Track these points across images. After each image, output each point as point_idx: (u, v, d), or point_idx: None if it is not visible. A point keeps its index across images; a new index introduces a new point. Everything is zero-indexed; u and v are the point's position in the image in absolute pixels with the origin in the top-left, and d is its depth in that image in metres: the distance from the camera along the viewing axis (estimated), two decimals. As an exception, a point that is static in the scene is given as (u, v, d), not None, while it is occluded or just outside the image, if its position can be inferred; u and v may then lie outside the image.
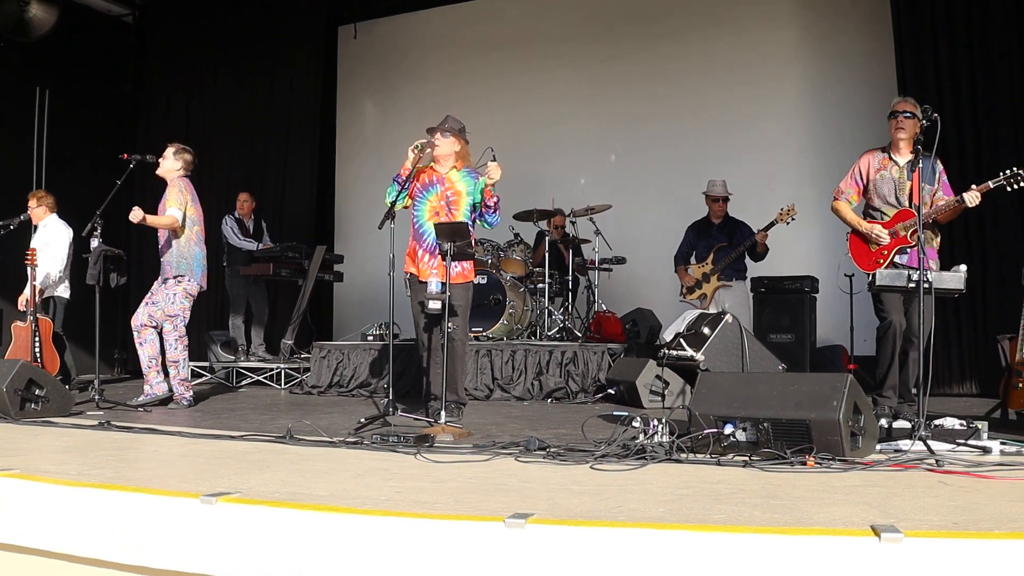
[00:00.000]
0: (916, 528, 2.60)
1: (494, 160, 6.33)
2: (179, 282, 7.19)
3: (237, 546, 3.01)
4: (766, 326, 8.52)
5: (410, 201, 6.17)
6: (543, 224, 9.68)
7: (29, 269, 7.92)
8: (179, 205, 7.16)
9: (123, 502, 3.26)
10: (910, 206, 5.70)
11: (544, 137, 11.32)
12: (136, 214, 6.95)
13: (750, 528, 2.64)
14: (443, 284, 5.44)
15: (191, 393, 7.40)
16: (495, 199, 6.05)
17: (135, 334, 7.29)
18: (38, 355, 7.92)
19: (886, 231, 5.77)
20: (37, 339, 7.97)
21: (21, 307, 8.30)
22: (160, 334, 7.27)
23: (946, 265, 5.57)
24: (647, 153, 10.88)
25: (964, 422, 5.19)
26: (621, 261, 9.59)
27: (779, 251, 8.65)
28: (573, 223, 9.58)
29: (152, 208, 7.30)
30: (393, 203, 5.89)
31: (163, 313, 7.19)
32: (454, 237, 5.47)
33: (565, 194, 10.28)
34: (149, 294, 7.30)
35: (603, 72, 11.18)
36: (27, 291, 8.08)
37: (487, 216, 6.12)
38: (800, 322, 8.51)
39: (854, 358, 8.41)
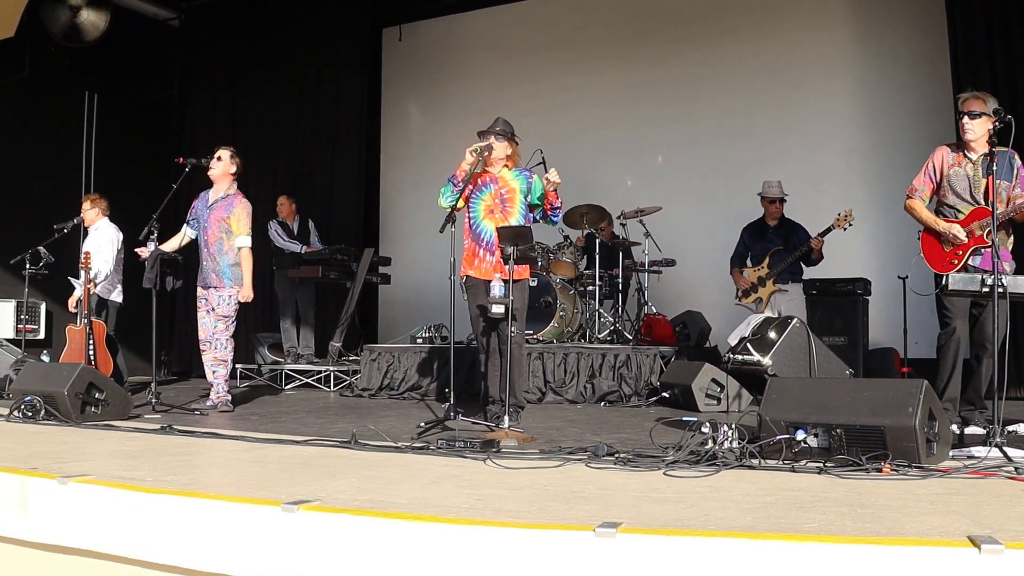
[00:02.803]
0: (1015, 539, 2.54)
1: (542, 163, 6.38)
2: (233, 287, 7.29)
3: (320, 554, 3.00)
4: (818, 329, 8.40)
5: (463, 203, 6.17)
6: (592, 228, 9.65)
7: (83, 272, 7.98)
8: (248, 232, 7.33)
9: (203, 509, 3.27)
10: (986, 204, 5.45)
11: (590, 138, 11.28)
12: (248, 294, 7.32)
13: (844, 538, 2.59)
14: (506, 288, 5.41)
15: (230, 396, 7.50)
16: (560, 200, 6.18)
17: (205, 345, 7.35)
18: (92, 357, 7.98)
19: (963, 230, 5.51)
20: (91, 341, 8.03)
21: (72, 309, 8.36)
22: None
23: (1020, 267, 5.41)
24: (694, 154, 10.82)
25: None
26: (670, 263, 9.53)
27: (831, 253, 8.56)
28: (623, 225, 9.53)
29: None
30: (453, 206, 5.87)
31: (218, 314, 7.27)
32: (517, 241, 5.46)
33: (612, 196, 10.25)
34: (202, 302, 7.35)
35: (649, 73, 11.13)
36: (78, 293, 8.15)
37: (552, 216, 6.23)
38: (853, 325, 8.43)
39: (907, 361, 8.31)
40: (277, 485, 3.64)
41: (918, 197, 5.79)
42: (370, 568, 2.92)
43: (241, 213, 7.31)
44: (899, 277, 8.08)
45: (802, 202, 9.07)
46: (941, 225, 5.61)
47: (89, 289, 8.06)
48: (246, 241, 7.30)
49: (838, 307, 8.52)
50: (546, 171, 6.94)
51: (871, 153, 9.89)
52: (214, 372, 7.34)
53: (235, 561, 3.16)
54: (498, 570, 2.75)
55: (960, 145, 5.67)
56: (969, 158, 5.60)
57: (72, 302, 8.43)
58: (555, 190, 6.09)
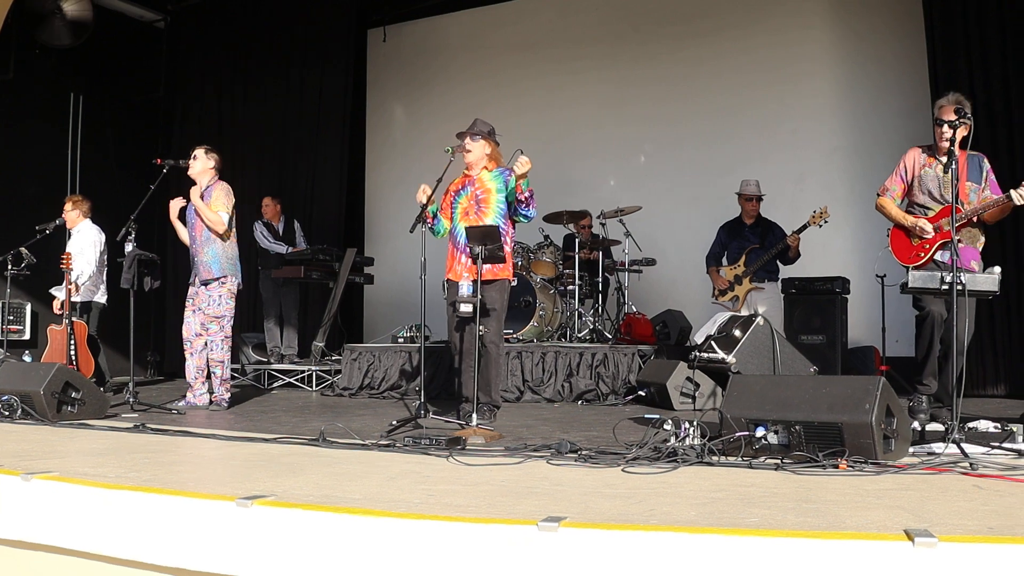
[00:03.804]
0: (951, 533, 2.57)
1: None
2: (222, 283, 7.26)
3: (272, 548, 3.04)
4: (797, 327, 8.49)
5: (448, 220, 6.25)
6: (571, 227, 9.69)
7: (65, 273, 8.00)
8: (226, 208, 7.28)
9: (160, 504, 3.30)
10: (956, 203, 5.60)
11: (573, 139, 11.33)
12: (193, 193, 7.12)
13: (782, 532, 2.62)
14: (474, 286, 5.45)
15: (229, 395, 7.51)
16: (527, 193, 6.01)
17: (187, 344, 7.38)
18: (73, 358, 8.01)
19: (931, 225, 5.71)
20: (72, 342, 8.06)
21: (57, 311, 8.40)
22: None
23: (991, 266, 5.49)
24: (677, 154, 10.86)
25: (998, 425, 5.16)
26: (651, 262, 9.58)
27: (810, 252, 8.61)
28: (603, 224, 9.57)
29: (183, 209, 7.43)
30: (424, 206, 5.90)
31: (209, 315, 7.26)
32: (485, 240, 5.49)
33: (595, 195, 10.29)
34: (190, 301, 7.36)
35: (632, 73, 11.18)
36: (61, 295, 8.18)
37: (521, 210, 6.07)
38: (831, 323, 8.47)
39: (886, 359, 8.35)
40: (237, 481, 3.68)
41: (888, 196, 5.98)
42: (321, 560, 2.96)
43: (219, 194, 7.29)
44: (878, 276, 8.12)
45: (784, 201, 9.13)
46: (908, 220, 5.81)
47: (71, 290, 8.09)
48: (223, 215, 7.24)
49: (817, 306, 8.56)
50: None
51: (852, 152, 9.94)
52: (214, 373, 7.37)
53: (191, 555, 3.19)
54: (444, 563, 2.78)
55: (932, 147, 5.83)
56: (940, 160, 5.76)
57: (56, 305, 8.46)
58: (524, 184, 5.95)
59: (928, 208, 5.82)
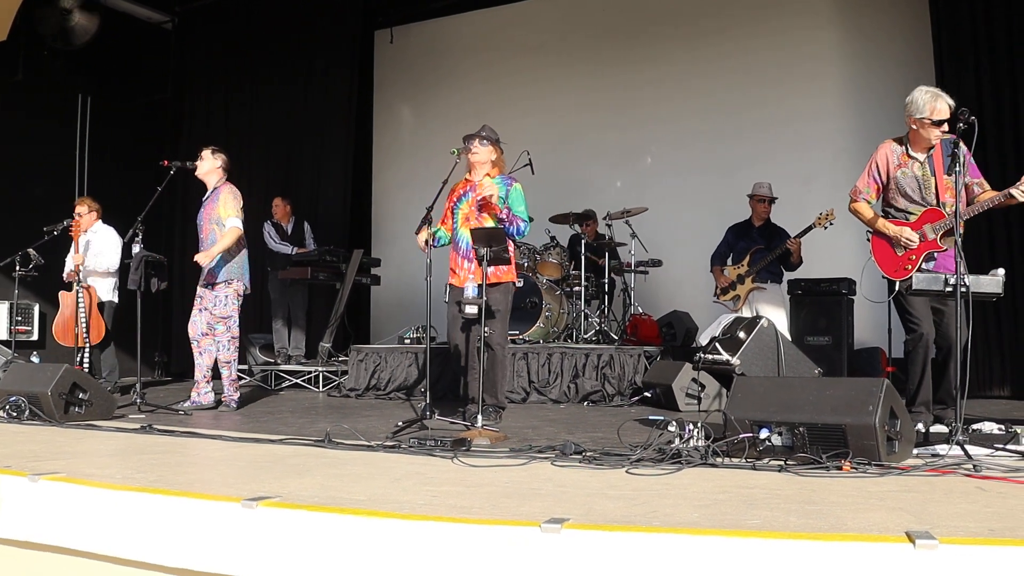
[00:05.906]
0: (952, 535, 2.58)
1: (529, 164, 6.39)
2: (228, 285, 7.28)
3: (277, 549, 3.05)
4: (803, 328, 8.48)
5: (450, 225, 6.28)
6: (578, 227, 9.70)
7: (74, 241, 8.09)
8: (236, 212, 7.28)
9: (166, 506, 3.32)
10: (938, 204, 5.37)
11: (580, 140, 11.34)
12: (202, 258, 7.16)
13: (783, 534, 2.63)
14: (479, 288, 5.46)
15: (239, 395, 7.54)
16: (504, 212, 6.05)
17: (194, 343, 7.39)
18: (84, 322, 8.09)
19: (916, 233, 5.40)
20: (82, 307, 8.15)
21: (68, 278, 8.42)
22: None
23: (976, 267, 5.37)
24: (683, 155, 10.86)
25: (1002, 426, 5.16)
26: (657, 264, 9.59)
27: (816, 253, 8.60)
28: (609, 226, 9.58)
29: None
30: (429, 209, 5.93)
31: (216, 316, 7.28)
32: (490, 242, 5.50)
33: (601, 197, 10.31)
34: (198, 300, 7.38)
35: (638, 74, 11.19)
36: (70, 262, 8.25)
37: (507, 229, 6.09)
38: (837, 325, 8.47)
39: (892, 360, 8.33)
40: (243, 482, 3.70)
41: (863, 199, 5.68)
42: (326, 561, 2.98)
43: (227, 197, 7.29)
44: (883, 276, 8.10)
45: (790, 202, 9.11)
46: (891, 229, 5.50)
47: (83, 256, 8.19)
48: (235, 221, 7.24)
49: (823, 307, 8.55)
50: (532, 173, 7.01)
51: (859, 153, 9.85)
52: (222, 373, 7.40)
53: (196, 556, 3.21)
54: (447, 564, 2.80)
55: (904, 142, 5.56)
56: (915, 157, 5.49)
57: (68, 274, 8.51)
58: (500, 203, 6.04)
59: (908, 212, 5.50)
